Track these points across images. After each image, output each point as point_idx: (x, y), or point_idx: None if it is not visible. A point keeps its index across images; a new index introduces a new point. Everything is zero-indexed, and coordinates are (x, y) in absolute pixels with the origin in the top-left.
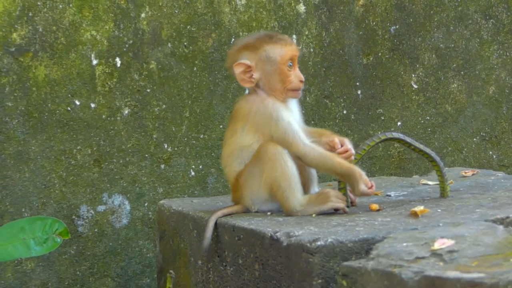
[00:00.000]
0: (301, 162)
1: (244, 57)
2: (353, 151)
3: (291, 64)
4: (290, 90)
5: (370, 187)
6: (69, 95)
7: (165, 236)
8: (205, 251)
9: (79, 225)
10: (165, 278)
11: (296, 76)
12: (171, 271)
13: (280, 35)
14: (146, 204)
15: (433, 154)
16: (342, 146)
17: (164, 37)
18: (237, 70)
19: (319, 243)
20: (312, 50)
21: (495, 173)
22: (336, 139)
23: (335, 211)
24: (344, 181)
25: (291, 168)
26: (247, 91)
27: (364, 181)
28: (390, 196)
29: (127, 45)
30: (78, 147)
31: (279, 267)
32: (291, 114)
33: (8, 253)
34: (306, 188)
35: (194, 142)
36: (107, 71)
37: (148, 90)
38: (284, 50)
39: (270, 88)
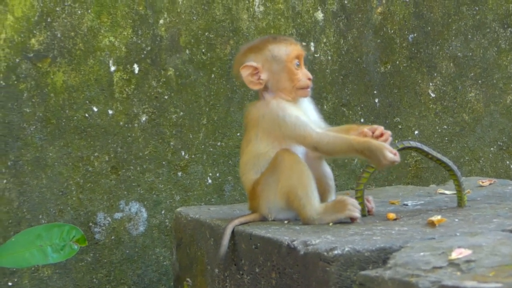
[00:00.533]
0: (318, 153)
1: (250, 60)
2: (389, 132)
3: (298, 63)
4: (299, 88)
5: (396, 153)
6: (87, 102)
7: (182, 244)
8: (222, 259)
9: (96, 232)
10: (181, 286)
11: (304, 74)
12: (188, 279)
13: (284, 36)
14: (163, 212)
15: (450, 163)
16: (374, 133)
17: (182, 44)
18: (244, 73)
19: (336, 252)
20: (330, 57)
21: None
22: (366, 128)
23: (351, 220)
24: (367, 158)
25: (308, 176)
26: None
27: (388, 149)
28: (407, 205)
29: (145, 52)
30: (95, 154)
31: (296, 276)
32: (298, 110)
33: (25, 260)
34: (323, 197)
35: (211, 149)
36: (125, 78)
37: (166, 97)
38: (290, 48)
39: (279, 88)
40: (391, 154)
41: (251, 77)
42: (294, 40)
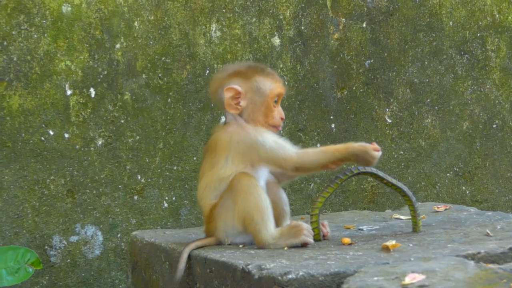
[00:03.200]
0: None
1: (235, 83)
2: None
3: (276, 100)
4: (270, 125)
5: (379, 149)
6: (43, 125)
7: (137, 267)
8: (177, 283)
9: (52, 255)
10: None
11: (278, 113)
12: None
13: (271, 70)
14: (119, 235)
15: (405, 188)
16: None
17: (138, 68)
18: (227, 94)
19: (290, 276)
20: (286, 83)
21: (468, 208)
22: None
23: (303, 246)
24: (352, 161)
25: (264, 200)
26: (222, 121)
27: (371, 148)
28: (362, 230)
29: (101, 76)
30: (51, 177)
31: None
32: (275, 135)
33: None
34: (278, 221)
35: (167, 173)
36: (81, 102)
37: (122, 121)
38: (274, 85)
39: (252, 119)
40: (376, 152)
41: (232, 100)
42: (279, 77)
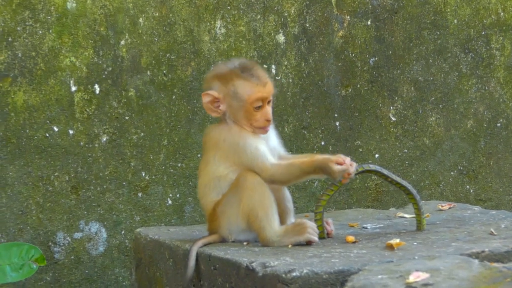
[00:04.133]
0: (275, 185)
1: (214, 87)
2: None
3: (260, 105)
4: (256, 127)
5: (343, 162)
6: (48, 121)
7: (141, 264)
8: (189, 281)
9: (56, 251)
10: None
11: (263, 115)
12: None
13: (256, 71)
14: (122, 232)
15: (409, 187)
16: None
17: (143, 65)
18: (205, 99)
19: (294, 274)
20: (291, 80)
21: (472, 207)
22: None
23: (308, 244)
24: (322, 174)
25: (269, 198)
26: None
27: (333, 161)
28: (366, 228)
29: (106, 72)
30: (55, 174)
31: None
32: (259, 140)
33: None
34: (282, 219)
35: (171, 170)
36: (85, 98)
37: (127, 118)
38: (254, 90)
39: (237, 121)
40: (338, 166)
41: (211, 105)
42: (265, 79)
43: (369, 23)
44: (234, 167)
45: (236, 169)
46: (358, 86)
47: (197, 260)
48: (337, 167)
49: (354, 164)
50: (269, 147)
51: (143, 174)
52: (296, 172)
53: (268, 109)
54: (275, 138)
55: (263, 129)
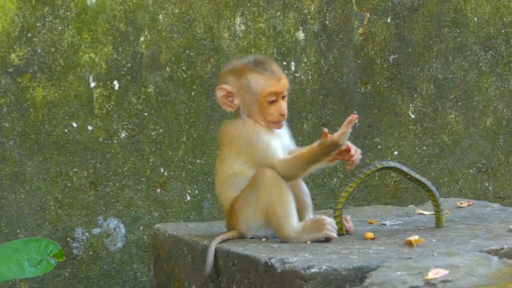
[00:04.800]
0: (289, 180)
1: (228, 81)
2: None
3: (273, 99)
4: (270, 122)
5: (327, 133)
6: (66, 117)
7: (159, 260)
8: (207, 277)
9: (74, 247)
10: None
11: (277, 109)
12: None
13: (270, 66)
14: (141, 228)
15: (429, 184)
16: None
17: (162, 61)
18: (219, 93)
19: (313, 270)
20: (310, 77)
21: (491, 204)
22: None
23: (327, 240)
24: (326, 155)
25: (287, 194)
26: None
27: (323, 140)
28: (385, 225)
29: (125, 68)
30: (74, 169)
31: None
32: (272, 136)
33: (2, 274)
34: (300, 214)
35: (190, 167)
36: (105, 94)
37: (146, 114)
38: (267, 84)
39: (251, 115)
40: (332, 138)
41: (225, 99)
42: (279, 73)
43: (389, 20)
44: (249, 163)
45: (251, 166)
46: (378, 83)
47: (215, 256)
48: (336, 135)
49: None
50: (282, 144)
51: (162, 170)
52: (300, 165)
53: (283, 103)
54: (287, 136)
55: (277, 124)
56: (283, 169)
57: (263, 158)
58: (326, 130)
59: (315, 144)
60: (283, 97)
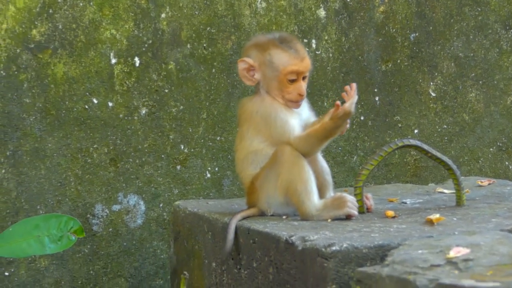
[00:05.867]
0: (310, 158)
1: (251, 55)
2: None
3: (294, 78)
4: (288, 100)
5: (339, 105)
6: (87, 93)
7: (179, 237)
8: (228, 254)
9: (94, 224)
10: (178, 280)
11: (296, 89)
12: (185, 272)
13: (295, 44)
14: (161, 205)
15: (450, 162)
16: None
17: (183, 38)
18: (240, 66)
19: (334, 248)
20: (331, 55)
21: (511, 183)
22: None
23: (347, 218)
24: (340, 127)
25: (308, 172)
26: None
27: (335, 113)
28: (405, 203)
29: (146, 45)
30: (94, 146)
31: (294, 271)
32: (290, 113)
33: (22, 250)
34: (321, 192)
35: (210, 144)
36: (125, 71)
37: (166, 91)
38: (290, 62)
39: (270, 91)
40: (344, 109)
41: (246, 73)
42: (303, 53)
43: None
44: (267, 141)
45: (270, 143)
46: (398, 61)
47: (236, 233)
48: (347, 105)
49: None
50: (301, 120)
51: (182, 147)
52: (315, 141)
53: (303, 84)
54: (307, 110)
55: (295, 103)
56: (300, 146)
57: (280, 135)
58: (338, 102)
59: (327, 118)
60: (304, 78)
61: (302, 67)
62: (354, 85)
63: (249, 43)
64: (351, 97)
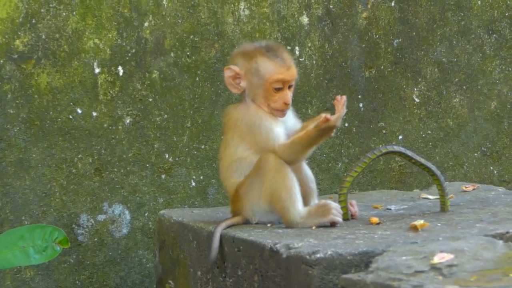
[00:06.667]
0: (295, 166)
1: (237, 63)
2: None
3: (280, 87)
4: (273, 109)
5: (328, 119)
6: (71, 103)
7: (164, 246)
8: (213, 263)
9: (79, 234)
10: None
11: (281, 97)
12: (170, 281)
13: (281, 53)
14: (146, 214)
15: (434, 168)
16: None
17: (167, 47)
18: (227, 74)
19: (318, 255)
20: (314, 62)
21: (496, 188)
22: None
23: (332, 225)
24: (324, 136)
25: (292, 179)
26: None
27: (321, 123)
28: (390, 209)
29: (129, 54)
30: (79, 156)
31: (278, 279)
32: (275, 122)
33: (7, 261)
34: (305, 200)
35: (195, 152)
36: (109, 80)
37: (150, 100)
38: (276, 70)
39: (255, 100)
40: (330, 121)
41: (232, 80)
42: (289, 62)
43: (393, 4)
44: (252, 149)
45: (254, 151)
46: (382, 67)
47: (221, 242)
48: (333, 119)
49: (343, 100)
50: (286, 128)
51: (167, 156)
52: (300, 149)
53: (288, 92)
54: (293, 118)
55: (281, 112)
56: (284, 154)
57: (265, 143)
58: (326, 116)
59: (311, 126)
60: (289, 86)
61: (288, 76)
62: (344, 98)
63: (235, 51)
64: (339, 111)
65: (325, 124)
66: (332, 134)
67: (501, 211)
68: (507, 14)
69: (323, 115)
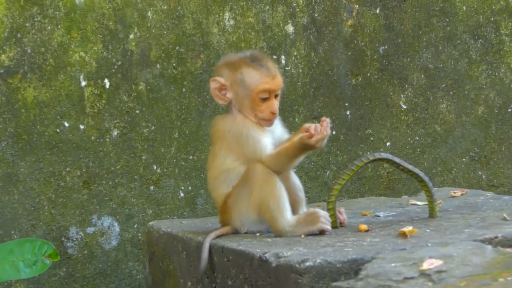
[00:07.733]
0: (283, 175)
1: (223, 74)
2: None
3: (266, 97)
4: (260, 119)
5: (313, 134)
6: (58, 117)
7: (154, 257)
8: (203, 273)
9: (69, 247)
10: None
11: (268, 107)
12: None
13: (266, 62)
14: (135, 226)
15: (421, 174)
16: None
17: (152, 58)
18: (212, 85)
19: (308, 263)
20: (301, 70)
21: (484, 193)
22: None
23: (321, 233)
24: (308, 150)
25: (280, 188)
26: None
27: (305, 138)
28: (379, 216)
29: (115, 66)
30: (67, 169)
31: None
32: (262, 132)
33: None
34: (294, 208)
35: (183, 163)
36: (96, 93)
37: (137, 111)
38: (261, 80)
39: (241, 111)
40: (313, 139)
41: (218, 92)
42: (274, 71)
43: (378, 11)
44: (240, 159)
45: (242, 162)
46: (368, 74)
47: (210, 252)
48: (313, 140)
49: (326, 123)
50: (274, 138)
51: (155, 168)
52: (286, 159)
53: (275, 102)
54: (280, 127)
55: (268, 122)
56: (271, 164)
57: (252, 154)
58: (311, 131)
59: (297, 138)
60: (276, 96)
61: (274, 85)
62: (327, 121)
63: (220, 62)
64: (320, 133)
65: (306, 140)
66: (323, 145)
67: (490, 216)
68: (492, 19)
69: (307, 125)
